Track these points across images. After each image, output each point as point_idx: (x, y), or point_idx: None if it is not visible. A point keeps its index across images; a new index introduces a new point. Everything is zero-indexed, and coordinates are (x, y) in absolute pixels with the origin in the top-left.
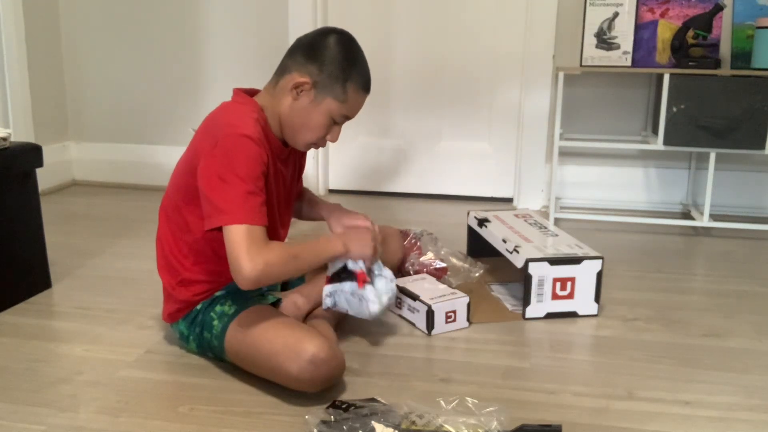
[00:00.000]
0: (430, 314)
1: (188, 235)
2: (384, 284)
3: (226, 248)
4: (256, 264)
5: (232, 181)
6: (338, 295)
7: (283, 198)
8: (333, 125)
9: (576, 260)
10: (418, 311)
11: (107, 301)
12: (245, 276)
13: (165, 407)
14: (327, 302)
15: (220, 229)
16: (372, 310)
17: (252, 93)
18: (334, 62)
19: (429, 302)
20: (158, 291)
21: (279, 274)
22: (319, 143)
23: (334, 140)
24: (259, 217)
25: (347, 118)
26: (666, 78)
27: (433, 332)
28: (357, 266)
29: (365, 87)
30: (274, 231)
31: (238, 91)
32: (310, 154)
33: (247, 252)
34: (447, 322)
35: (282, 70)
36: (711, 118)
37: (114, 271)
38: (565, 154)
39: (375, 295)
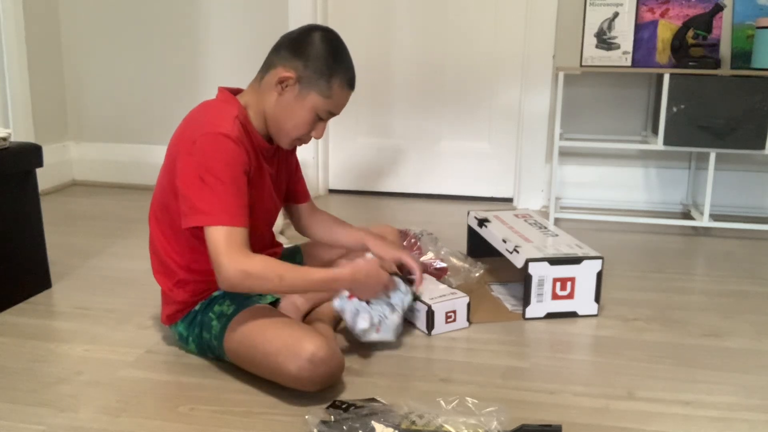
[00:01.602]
0: (430, 314)
1: (179, 232)
2: (382, 309)
3: (208, 249)
4: (235, 268)
5: (212, 182)
6: (345, 300)
7: (267, 196)
8: (318, 121)
9: (576, 260)
10: (418, 311)
11: (107, 301)
12: (225, 277)
13: (165, 407)
14: (336, 303)
15: (201, 228)
16: (359, 326)
17: (236, 92)
18: (319, 58)
19: (429, 302)
20: (158, 290)
21: (258, 287)
22: (303, 139)
23: (318, 137)
24: (239, 219)
25: (332, 114)
26: (666, 78)
27: (433, 332)
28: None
29: (350, 84)
30: (259, 229)
31: (222, 90)
32: (309, 154)
33: (227, 254)
34: (447, 322)
35: (267, 66)
36: (711, 118)
37: (114, 271)
38: (565, 154)
39: (367, 311)
